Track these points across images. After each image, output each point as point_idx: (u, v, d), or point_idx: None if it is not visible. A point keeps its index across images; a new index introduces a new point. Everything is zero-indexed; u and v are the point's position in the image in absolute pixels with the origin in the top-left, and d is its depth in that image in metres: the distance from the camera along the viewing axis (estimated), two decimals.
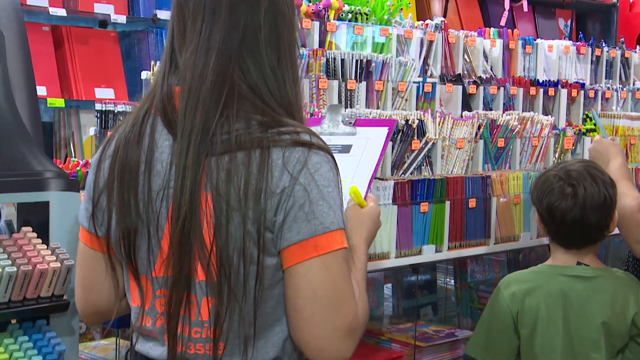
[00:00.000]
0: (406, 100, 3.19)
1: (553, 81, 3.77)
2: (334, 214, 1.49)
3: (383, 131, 1.91)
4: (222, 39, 1.53)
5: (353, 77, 3.06)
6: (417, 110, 3.14)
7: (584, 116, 3.81)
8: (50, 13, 4.39)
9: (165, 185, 1.53)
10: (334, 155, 1.56)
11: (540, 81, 3.73)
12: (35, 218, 2.31)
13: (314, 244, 1.48)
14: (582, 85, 3.88)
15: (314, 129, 1.95)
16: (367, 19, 3.36)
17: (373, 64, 3.09)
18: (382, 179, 2.71)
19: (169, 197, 1.52)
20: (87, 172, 2.84)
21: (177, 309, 1.52)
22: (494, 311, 2.59)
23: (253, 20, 1.55)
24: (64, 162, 3.15)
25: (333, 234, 1.49)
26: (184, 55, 1.56)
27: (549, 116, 3.53)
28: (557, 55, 3.96)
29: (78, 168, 2.91)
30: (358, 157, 1.90)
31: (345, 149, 1.93)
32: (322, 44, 3.20)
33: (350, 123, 1.92)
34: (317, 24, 3.17)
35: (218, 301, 1.48)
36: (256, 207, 1.46)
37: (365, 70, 3.06)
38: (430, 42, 3.42)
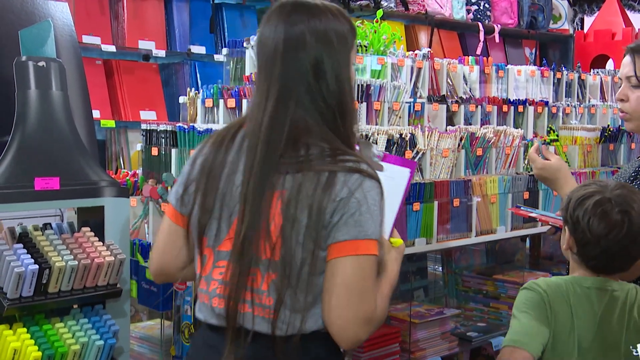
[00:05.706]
0: (400, 117, 3.17)
1: (522, 100, 3.75)
2: (374, 227, 1.55)
3: (406, 172, 1.86)
4: (279, 86, 1.60)
5: (355, 99, 3.05)
6: (409, 125, 3.13)
7: (548, 129, 3.77)
8: (103, 49, 4.43)
9: (240, 189, 1.59)
10: None
11: (511, 100, 3.71)
12: (93, 220, 2.30)
13: (355, 246, 1.53)
14: (546, 103, 3.86)
15: None
16: (366, 50, 3.34)
17: (372, 88, 3.07)
18: None
19: (239, 198, 1.59)
20: (140, 179, 2.86)
21: (241, 280, 1.56)
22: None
23: (304, 67, 1.59)
24: (115, 173, 3.16)
25: (371, 241, 1.55)
26: (254, 99, 1.65)
27: (519, 129, 3.50)
28: (524, 78, 3.94)
29: (127, 178, 2.91)
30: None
31: None
32: None
33: (379, 157, 1.89)
34: None
35: (280, 282, 1.54)
36: (319, 210, 1.52)
37: (365, 93, 3.05)
38: (419, 69, 3.41)
